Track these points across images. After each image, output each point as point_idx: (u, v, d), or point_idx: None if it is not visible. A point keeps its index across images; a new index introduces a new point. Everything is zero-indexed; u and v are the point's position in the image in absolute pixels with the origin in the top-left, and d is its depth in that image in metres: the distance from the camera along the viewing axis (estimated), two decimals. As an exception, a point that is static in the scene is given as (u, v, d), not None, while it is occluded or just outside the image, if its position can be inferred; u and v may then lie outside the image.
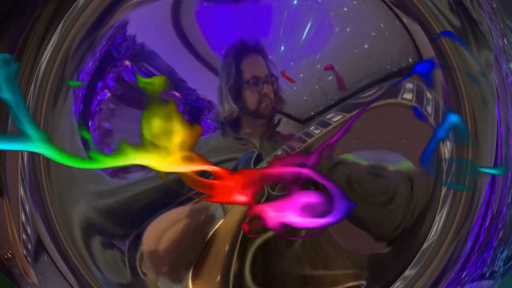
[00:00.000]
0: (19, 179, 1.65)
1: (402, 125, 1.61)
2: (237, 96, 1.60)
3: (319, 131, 1.57)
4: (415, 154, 1.61)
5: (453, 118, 1.59)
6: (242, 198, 1.57)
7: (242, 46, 1.60)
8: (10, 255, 1.66)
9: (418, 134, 1.61)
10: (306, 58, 1.60)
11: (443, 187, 1.62)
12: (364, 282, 1.65)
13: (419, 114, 1.60)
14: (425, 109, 1.60)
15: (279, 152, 1.58)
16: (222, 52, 1.60)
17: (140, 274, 1.64)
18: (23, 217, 1.65)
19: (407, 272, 1.64)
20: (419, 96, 1.60)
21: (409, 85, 1.60)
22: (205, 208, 1.63)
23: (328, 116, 1.58)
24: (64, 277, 1.65)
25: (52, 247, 1.65)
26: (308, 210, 1.56)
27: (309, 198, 1.56)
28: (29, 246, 1.66)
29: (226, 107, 1.60)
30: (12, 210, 1.65)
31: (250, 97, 1.60)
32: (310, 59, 1.60)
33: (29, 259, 1.66)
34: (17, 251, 1.67)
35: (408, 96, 1.60)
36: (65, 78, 1.63)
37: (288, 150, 1.58)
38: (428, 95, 1.60)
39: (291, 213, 1.55)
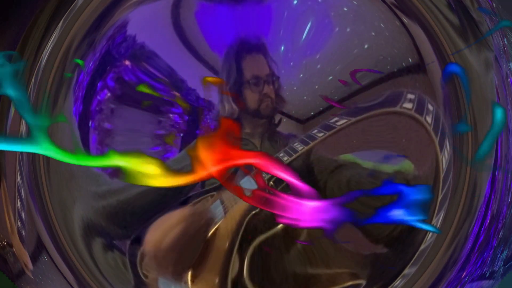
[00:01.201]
0: (18, 179, 1.65)
1: (402, 126, 1.61)
2: (237, 96, 1.59)
3: (322, 134, 1.57)
4: (415, 154, 1.61)
5: (500, 112, 1.57)
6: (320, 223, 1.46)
7: (242, 46, 1.60)
8: (5, 243, 1.65)
9: (419, 135, 1.61)
10: (306, 58, 1.59)
11: (441, 186, 1.62)
12: (364, 282, 1.65)
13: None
14: (425, 118, 1.60)
15: (281, 154, 1.58)
16: (222, 52, 1.60)
17: (141, 274, 1.64)
18: (23, 215, 1.65)
19: (407, 272, 1.64)
20: (420, 103, 1.60)
21: (410, 96, 1.60)
22: (205, 208, 1.62)
23: (332, 120, 1.58)
24: (64, 277, 1.65)
25: (52, 247, 1.65)
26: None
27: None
28: (28, 244, 1.66)
29: (226, 107, 1.60)
30: (12, 210, 1.65)
31: (251, 97, 1.60)
32: (310, 59, 1.59)
33: (25, 249, 1.66)
34: (18, 248, 1.67)
35: (409, 105, 1.60)
36: (64, 78, 1.63)
37: (291, 152, 1.57)
38: (429, 106, 1.60)
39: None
